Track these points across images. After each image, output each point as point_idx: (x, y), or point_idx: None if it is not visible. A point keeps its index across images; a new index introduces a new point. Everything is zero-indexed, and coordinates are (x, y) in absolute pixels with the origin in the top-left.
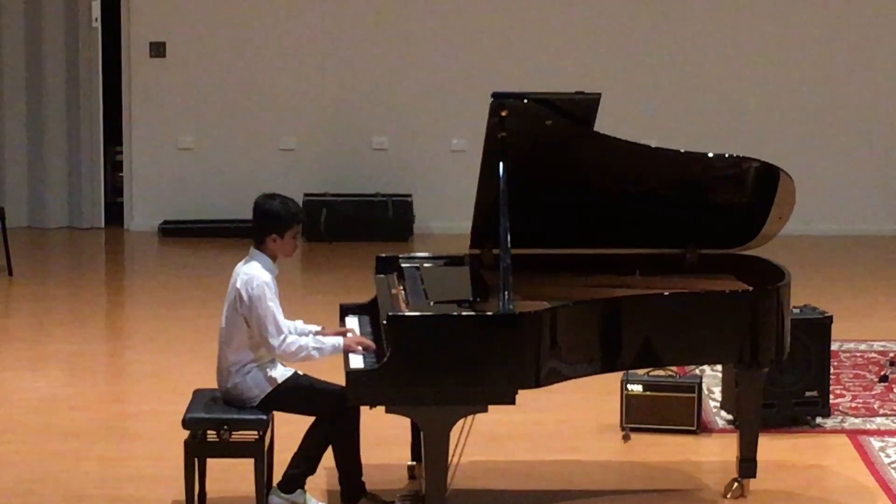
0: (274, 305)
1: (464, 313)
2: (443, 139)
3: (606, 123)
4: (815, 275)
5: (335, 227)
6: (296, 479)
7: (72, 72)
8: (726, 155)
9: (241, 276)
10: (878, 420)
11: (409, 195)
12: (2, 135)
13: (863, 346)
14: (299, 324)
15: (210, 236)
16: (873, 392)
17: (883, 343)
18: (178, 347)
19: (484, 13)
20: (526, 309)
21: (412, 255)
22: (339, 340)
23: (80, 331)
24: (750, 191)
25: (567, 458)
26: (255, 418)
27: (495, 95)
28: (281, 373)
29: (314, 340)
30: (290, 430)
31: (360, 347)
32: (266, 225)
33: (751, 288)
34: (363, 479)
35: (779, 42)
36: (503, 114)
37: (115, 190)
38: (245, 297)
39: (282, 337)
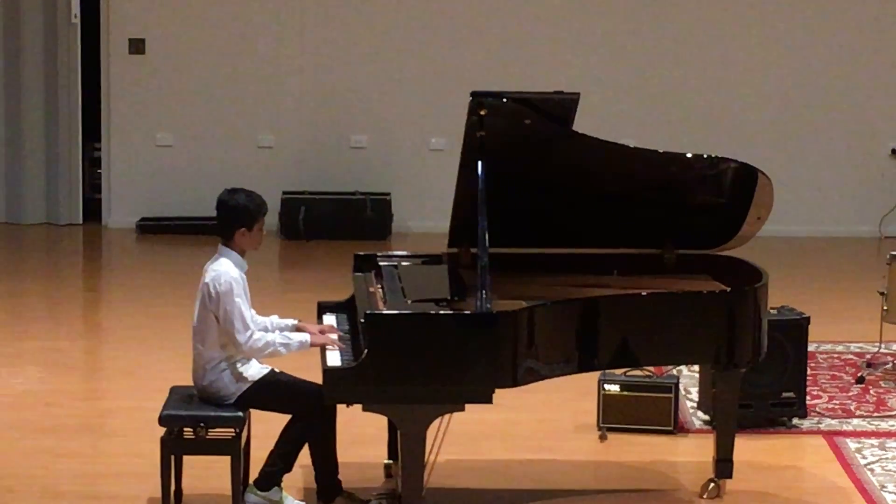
0: (241, 302)
1: (441, 312)
2: (421, 138)
3: (585, 123)
4: (792, 276)
5: (313, 225)
6: (272, 476)
7: (50, 68)
8: (704, 156)
9: (209, 273)
10: (855, 421)
11: (388, 194)
12: None
13: (840, 348)
14: (274, 318)
15: (188, 233)
16: (850, 393)
17: (860, 344)
18: (155, 344)
19: (464, 12)
20: (503, 308)
21: (390, 253)
22: (307, 337)
23: (57, 327)
24: (728, 191)
25: (544, 458)
26: (232, 416)
27: (474, 94)
28: (257, 370)
29: (281, 337)
30: (266, 427)
31: (328, 342)
32: (234, 219)
33: (728, 288)
34: (339, 477)
35: (757, 44)
36: (482, 113)
37: (93, 186)
38: (213, 293)
39: (248, 333)
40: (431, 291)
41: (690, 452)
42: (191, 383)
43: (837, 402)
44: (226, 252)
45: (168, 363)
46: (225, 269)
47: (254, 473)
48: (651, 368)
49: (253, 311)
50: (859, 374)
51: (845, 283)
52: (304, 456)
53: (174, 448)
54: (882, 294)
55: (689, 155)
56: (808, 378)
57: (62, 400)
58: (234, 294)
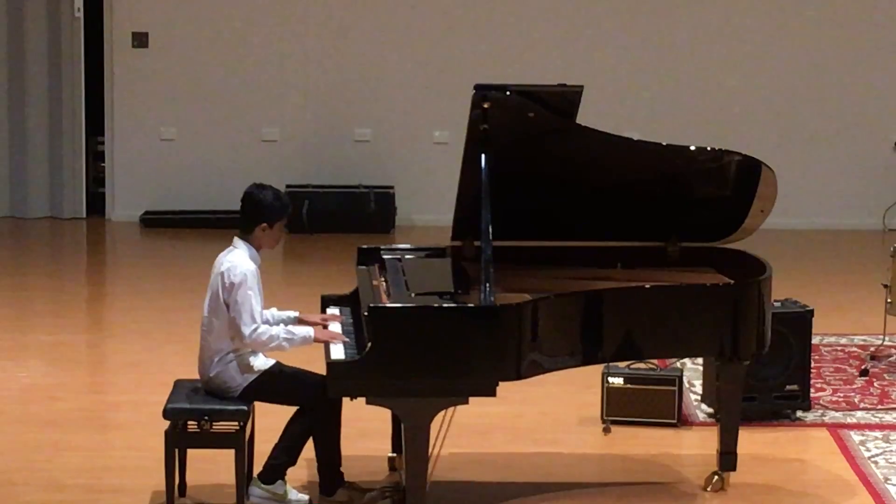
0: (253, 295)
1: (445, 305)
2: (425, 131)
3: (589, 116)
4: (796, 269)
5: (317, 218)
6: (276, 469)
7: (54, 62)
8: (708, 148)
9: (224, 263)
10: (859, 414)
11: (392, 187)
12: None
13: (843, 340)
14: (274, 311)
15: (192, 227)
16: (854, 386)
17: (863, 337)
18: (159, 338)
19: (467, 5)
20: (507, 301)
21: (394, 246)
22: (310, 331)
23: (61, 321)
24: (732, 184)
25: (547, 451)
26: (236, 409)
27: (478, 87)
28: (262, 363)
29: (285, 331)
30: (270, 420)
31: (331, 338)
32: (258, 214)
33: (732, 281)
34: (343, 470)
35: (762, 36)
36: (485, 106)
37: (96, 180)
38: (227, 283)
39: (254, 326)
40: (435, 285)
41: (694, 445)
42: (195, 376)
43: (841, 394)
44: (241, 244)
45: (172, 357)
46: (240, 261)
47: (258, 467)
48: (655, 361)
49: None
50: (863, 367)
51: (849, 275)
52: (308, 449)
53: (178, 441)
54: (886, 287)
55: (692, 148)
56: (811, 371)
57: (66, 393)
58: (247, 286)
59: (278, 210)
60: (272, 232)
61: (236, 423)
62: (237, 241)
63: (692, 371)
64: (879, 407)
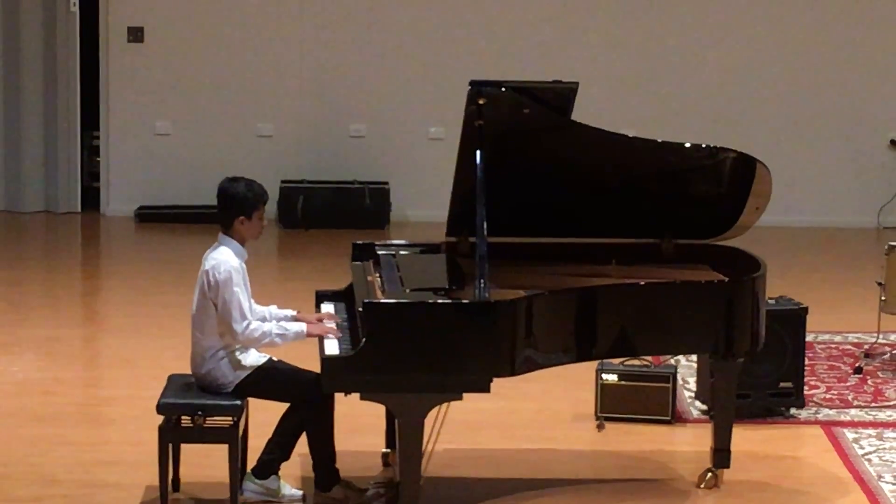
0: (240, 291)
1: (439, 301)
2: (420, 127)
3: (584, 113)
4: (790, 266)
5: (312, 214)
6: (270, 465)
7: (49, 56)
8: (703, 145)
9: (209, 261)
10: (852, 411)
11: (387, 183)
12: None
13: (837, 338)
14: (273, 308)
15: (186, 222)
16: (847, 383)
17: (857, 335)
18: (154, 333)
19: (463, 1)
20: (501, 297)
21: (388, 242)
22: (303, 327)
23: (56, 315)
24: (727, 181)
25: (541, 447)
26: (230, 404)
27: (473, 83)
28: (255, 359)
29: (277, 327)
30: (264, 416)
31: (324, 332)
32: (233, 208)
33: (726, 278)
34: (337, 465)
35: (757, 35)
36: (481, 102)
37: (91, 175)
38: (212, 282)
39: (245, 323)
40: (430, 280)
41: (688, 442)
42: (189, 371)
43: (835, 392)
44: (225, 241)
45: (166, 351)
46: (225, 258)
47: (252, 461)
48: (649, 358)
49: (251, 301)
50: (857, 365)
51: (843, 273)
52: (302, 444)
53: (172, 436)
54: (880, 284)
55: (687, 145)
56: (805, 368)
57: (60, 388)
58: (233, 283)
59: (252, 201)
60: (252, 223)
61: (230, 419)
62: (221, 237)
63: (686, 368)
64: (873, 404)
